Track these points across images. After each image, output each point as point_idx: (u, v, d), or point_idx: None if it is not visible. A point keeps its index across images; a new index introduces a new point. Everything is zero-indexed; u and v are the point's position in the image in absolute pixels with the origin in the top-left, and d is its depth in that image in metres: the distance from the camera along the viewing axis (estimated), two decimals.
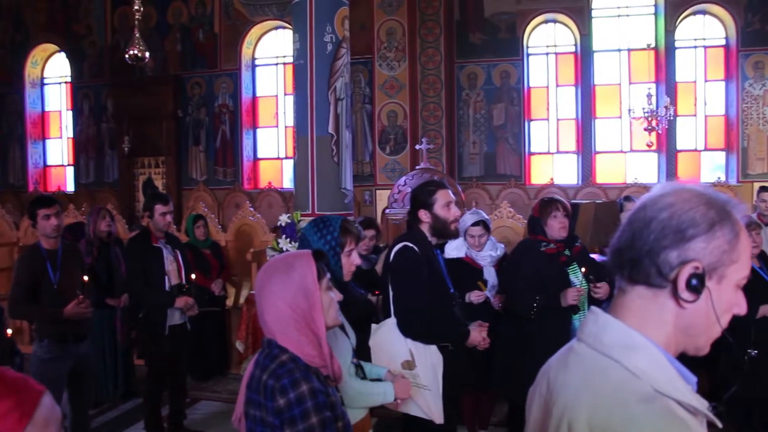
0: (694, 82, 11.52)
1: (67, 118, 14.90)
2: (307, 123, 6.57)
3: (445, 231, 3.54)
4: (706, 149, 11.60)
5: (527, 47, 12.00)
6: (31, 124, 14.97)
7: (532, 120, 12.17)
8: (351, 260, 2.74)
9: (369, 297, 4.51)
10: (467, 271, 4.57)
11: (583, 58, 11.73)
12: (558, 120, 12.17)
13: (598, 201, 8.07)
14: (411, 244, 3.43)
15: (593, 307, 1.24)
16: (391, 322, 3.36)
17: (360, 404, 2.64)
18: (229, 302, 7.32)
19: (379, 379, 2.92)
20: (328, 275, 2.04)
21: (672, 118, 10.52)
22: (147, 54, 4.94)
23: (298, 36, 6.67)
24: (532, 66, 12.12)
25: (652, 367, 1.10)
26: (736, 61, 10.98)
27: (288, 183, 12.93)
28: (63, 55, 14.62)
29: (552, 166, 12.21)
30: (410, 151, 11.02)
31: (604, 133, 11.96)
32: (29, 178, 14.91)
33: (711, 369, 4.38)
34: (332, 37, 6.57)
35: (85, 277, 4.43)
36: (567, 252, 4.06)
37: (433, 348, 3.29)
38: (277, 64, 13.40)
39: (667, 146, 11.41)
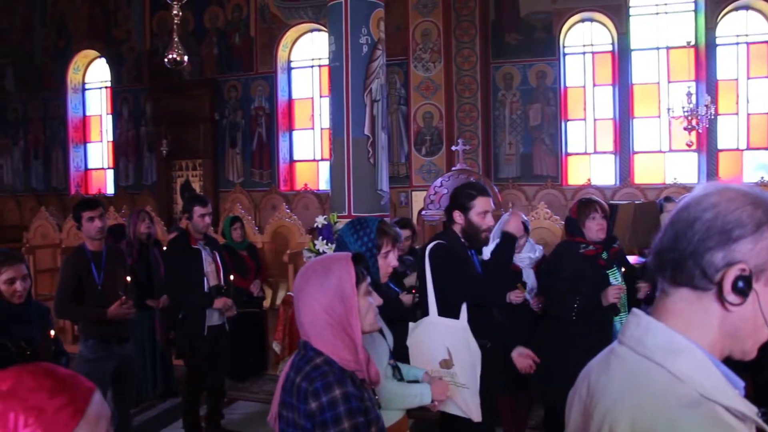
0: (736, 79, 11.28)
1: (107, 122, 15.19)
2: (343, 125, 6.59)
3: (475, 238, 3.52)
4: (748, 148, 11.35)
5: (563, 47, 11.88)
6: (73, 128, 15.30)
7: (568, 120, 12.05)
8: (388, 262, 2.73)
9: (405, 295, 4.51)
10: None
11: (621, 56, 11.58)
12: (595, 120, 12.03)
13: (637, 202, 7.95)
14: (444, 242, 3.44)
15: (635, 309, 1.21)
16: (429, 321, 3.36)
17: (397, 406, 2.63)
18: (266, 303, 7.36)
19: (416, 381, 2.92)
20: (368, 279, 2.01)
21: (713, 116, 10.33)
22: (186, 58, 5.00)
23: (333, 38, 6.69)
24: (568, 66, 12.00)
25: (697, 371, 1.07)
26: None
27: (324, 185, 12.99)
28: (103, 60, 14.92)
29: (589, 166, 12.07)
30: (446, 152, 10.99)
31: (643, 132, 11.78)
32: (71, 181, 15.22)
33: (755, 373, 4.29)
34: (368, 39, 6.58)
35: (128, 278, 4.50)
36: (604, 255, 4.01)
37: (472, 346, 3.28)
38: (312, 67, 13.47)
39: (707, 145, 11.19)
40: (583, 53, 12.00)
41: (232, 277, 5.30)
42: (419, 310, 3.67)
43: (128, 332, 4.59)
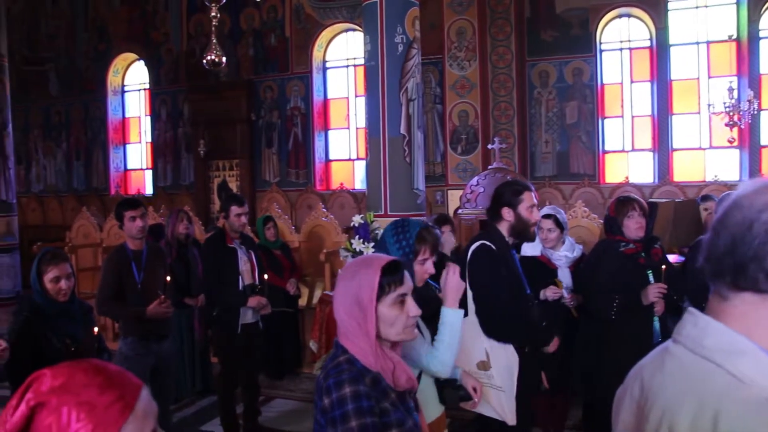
0: None
1: (146, 123, 15.43)
2: (379, 124, 6.61)
3: (524, 233, 3.54)
4: None
5: (600, 43, 11.74)
6: (113, 130, 15.58)
7: (605, 117, 11.89)
8: (424, 268, 2.73)
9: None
10: (541, 271, 4.51)
11: (659, 52, 11.39)
12: (633, 117, 11.84)
13: (677, 200, 7.84)
14: (488, 243, 3.43)
15: (691, 308, 1.19)
16: (467, 321, 3.35)
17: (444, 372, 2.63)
18: (303, 302, 7.41)
19: (454, 380, 2.92)
20: (398, 291, 1.94)
21: (756, 112, 10.09)
22: (224, 59, 5.06)
23: (369, 37, 6.71)
24: (605, 62, 11.84)
25: (761, 374, 1.04)
26: None
27: (359, 184, 13.03)
28: (142, 63, 15.16)
29: (627, 164, 11.89)
30: (482, 150, 10.95)
31: (682, 129, 11.56)
32: (111, 181, 15.50)
33: None
34: (403, 38, 6.59)
35: (168, 278, 4.57)
36: (643, 254, 3.96)
37: (510, 349, 3.27)
38: (347, 66, 13.51)
39: (750, 142, 10.94)
40: (620, 49, 11.83)
41: (266, 276, 5.35)
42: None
43: (167, 330, 4.66)
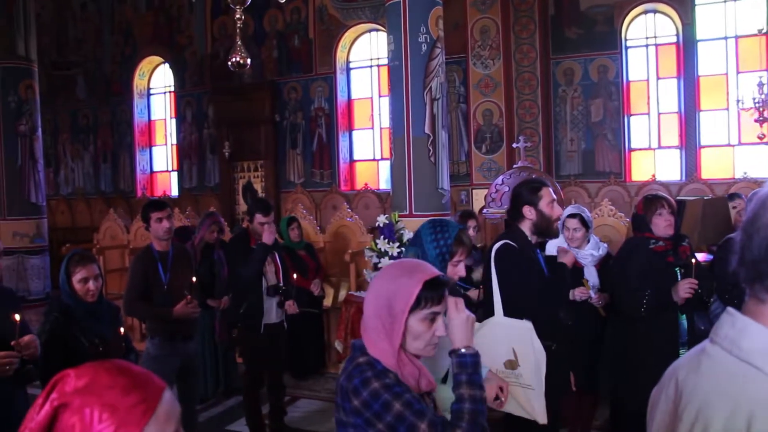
0: None
1: (171, 125, 15.58)
2: (403, 124, 6.61)
3: (547, 229, 3.53)
4: None
5: (626, 40, 11.62)
6: (139, 132, 15.75)
7: (631, 115, 11.77)
8: (456, 270, 2.74)
9: (473, 291, 4.50)
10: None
11: (686, 48, 11.24)
12: (659, 114, 11.70)
13: (706, 197, 7.73)
14: (511, 243, 3.42)
15: (730, 309, 1.17)
16: (494, 322, 3.34)
17: (447, 406, 2.61)
18: (328, 303, 7.43)
19: None
20: (434, 309, 1.91)
21: None
22: (248, 60, 5.07)
23: (392, 37, 6.71)
24: (631, 59, 11.72)
25: None
26: None
27: (384, 184, 13.03)
28: (167, 66, 15.31)
29: (653, 162, 11.75)
30: (506, 149, 10.89)
31: (710, 126, 11.40)
32: (137, 183, 15.67)
33: None
34: (427, 38, 6.58)
35: (194, 279, 4.60)
36: (671, 252, 3.92)
37: (537, 346, 3.25)
38: (371, 66, 13.53)
39: None
40: (646, 46, 11.70)
41: (294, 276, 5.36)
42: (481, 310, 3.66)
43: (193, 331, 4.72)
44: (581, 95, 11.61)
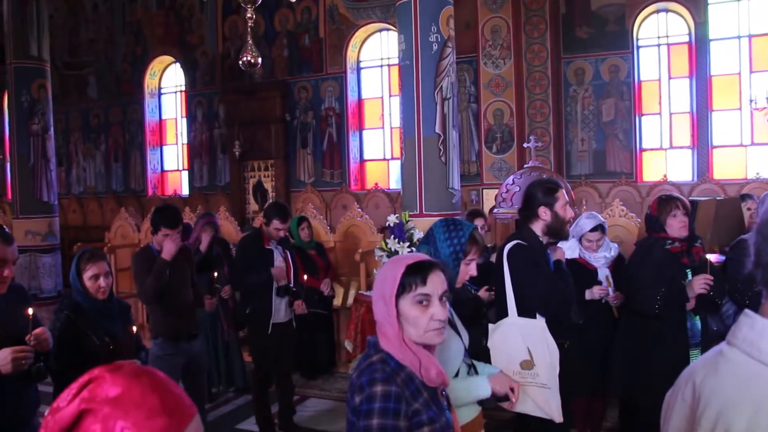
0: None
1: (182, 125, 15.63)
2: (414, 123, 6.60)
3: (560, 231, 3.53)
4: None
5: (637, 39, 11.56)
6: (150, 132, 15.81)
7: (643, 115, 11.71)
8: (468, 269, 2.73)
9: (483, 291, 4.49)
10: (582, 272, 4.47)
11: (699, 47, 11.17)
12: (671, 114, 11.63)
13: (718, 198, 7.68)
14: (523, 243, 3.42)
15: (748, 311, 1.15)
16: (508, 323, 3.34)
17: (461, 401, 2.60)
18: (338, 302, 7.43)
19: None
20: (420, 290, 1.93)
21: None
22: (260, 60, 5.09)
23: (403, 37, 6.70)
24: (642, 58, 11.65)
25: None
26: None
27: (394, 184, 13.03)
28: (178, 65, 15.36)
29: (665, 162, 11.67)
30: (517, 149, 10.86)
31: (722, 126, 11.32)
32: (148, 182, 15.74)
33: None
34: (437, 37, 6.57)
35: (215, 273, 4.55)
36: (685, 254, 3.91)
37: (551, 344, 3.25)
38: (381, 66, 13.52)
39: None
40: (658, 45, 11.63)
41: (305, 277, 5.36)
42: (492, 310, 3.66)
43: (197, 329, 4.73)
44: (592, 95, 11.56)
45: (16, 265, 3.12)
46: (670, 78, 11.61)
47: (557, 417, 3.21)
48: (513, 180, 7.76)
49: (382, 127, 13.59)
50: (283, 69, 13.84)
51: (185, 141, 15.50)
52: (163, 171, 16.11)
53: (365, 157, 13.75)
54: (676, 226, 3.86)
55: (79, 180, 16.71)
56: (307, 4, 13.52)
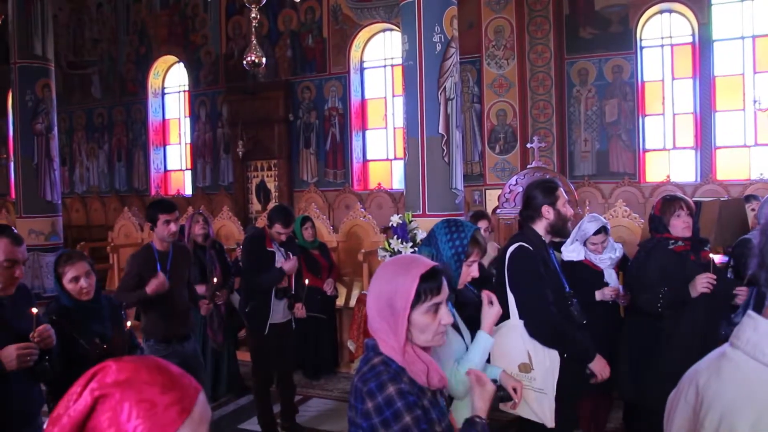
0: None
1: (185, 124, 15.66)
2: (417, 124, 6.60)
3: (563, 229, 3.52)
4: None
5: (641, 40, 11.55)
6: (153, 131, 15.85)
7: (646, 115, 11.70)
8: (470, 271, 2.72)
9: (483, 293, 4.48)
10: (588, 273, 4.46)
11: (702, 48, 11.16)
12: (674, 114, 11.62)
13: (722, 198, 7.66)
14: (526, 245, 3.40)
15: (751, 312, 1.15)
16: (510, 324, 3.33)
17: (457, 393, 2.59)
18: (340, 302, 7.42)
19: (494, 381, 2.90)
20: (434, 300, 1.90)
21: None
22: (264, 60, 5.10)
23: (407, 37, 6.71)
24: (646, 59, 11.65)
25: None
26: None
27: (397, 184, 13.03)
28: (181, 65, 15.39)
29: (668, 162, 11.67)
30: (520, 149, 10.87)
31: (726, 126, 11.30)
32: (151, 182, 15.77)
33: None
34: (441, 37, 6.57)
35: (215, 279, 4.54)
36: (692, 252, 3.90)
37: (552, 351, 3.24)
38: (385, 66, 13.53)
39: None
40: (662, 46, 11.62)
41: (306, 281, 5.37)
42: None
43: (189, 331, 4.68)
44: (596, 95, 11.55)
45: (25, 265, 3.09)
46: (673, 78, 11.60)
47: (549, 422, 3.21)
48: (516, 180, 7.76)
49: (386, 127, 13.60)
50: (286, 69, 13.85)
51: (188, 141, 15.53)
52: (166, 170, 16.13)
53: (368, 157, 13.76)
54: (679, 226, 3.85)
55: (82, 179, 16.75)
56: (311, 4, 13.54)
